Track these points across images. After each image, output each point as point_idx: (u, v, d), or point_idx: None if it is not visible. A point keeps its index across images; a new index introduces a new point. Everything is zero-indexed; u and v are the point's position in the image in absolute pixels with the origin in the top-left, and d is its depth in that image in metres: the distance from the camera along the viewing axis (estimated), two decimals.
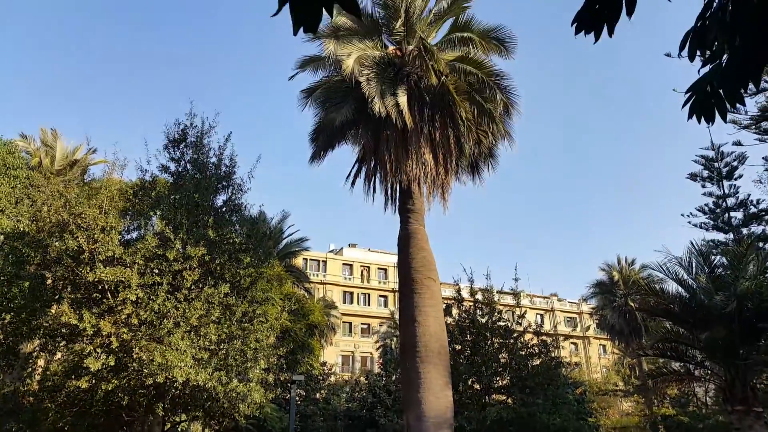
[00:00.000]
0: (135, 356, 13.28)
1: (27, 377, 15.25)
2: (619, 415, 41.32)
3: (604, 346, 66.74)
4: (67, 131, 79.59)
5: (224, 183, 17.11)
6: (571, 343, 63.16)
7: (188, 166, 16.64)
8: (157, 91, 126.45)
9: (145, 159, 16.60)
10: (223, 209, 17.08)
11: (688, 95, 3.68)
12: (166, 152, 16.72)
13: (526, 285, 61.80)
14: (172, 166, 16.64)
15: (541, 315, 67.60)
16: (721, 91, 3.50)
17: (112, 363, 13.27)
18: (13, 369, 15.75)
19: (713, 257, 18.88)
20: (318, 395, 33.36)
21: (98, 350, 13.32)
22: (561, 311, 72.92)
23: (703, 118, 3.63)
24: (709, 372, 18.98)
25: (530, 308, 64.19)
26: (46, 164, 29.85)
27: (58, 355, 15.89)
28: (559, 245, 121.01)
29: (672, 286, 18.63)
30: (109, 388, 13.45)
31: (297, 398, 24.44)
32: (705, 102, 3.60)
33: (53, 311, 14.32)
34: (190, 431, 29.58)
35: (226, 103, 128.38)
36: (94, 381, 13.32)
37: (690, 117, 3.69)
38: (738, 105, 3.77)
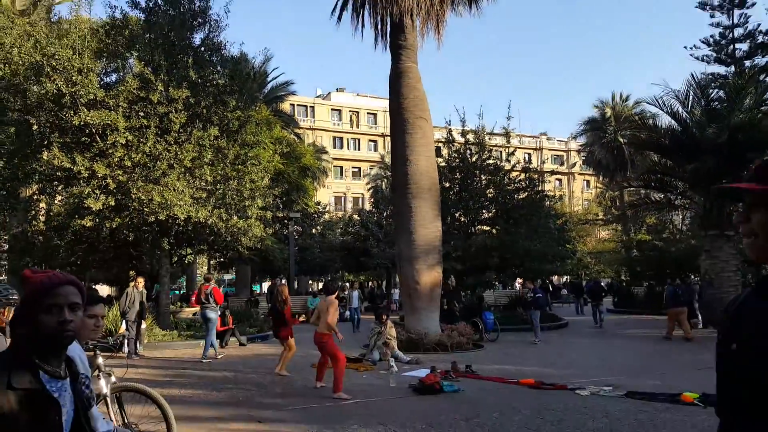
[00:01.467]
0: (134, 196, 13.64)
1: (32, 219, 15.69)
2: (596, 242, 44.05)
3: (588, 181, 68.79)
4: None
5: (200, 20, 16.24)
6: (556, 179, 64.91)
7: (159, 1, 15.63)
8: None
9: None
10: (202, 49, 16.43)
11: None
12: None
13: (516, 125, 61.62)
14: (143, 1, 15.67)
15: (529, 154, 68.49)
16: None
17: (113, 203, 13.65)
18: (16, 212, 16.13)
19: (711, 90, 18.72)
20: (314, 230, 35.00)
21: (96, 191, 13.59)
22: (549, 149, 73.82)
23: None
24: (689, 201, 19.91)
25: (519, 147, 64.48)
26: (6, 4, 27.44)
27: (58, 198, 16.22)
28: (554, 83, 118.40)
29: (665, 120, 18.73)
30: (113, 226, 14.02)
31: (295, 233, 25.64)
32: None
33: (45, 156, 14.29)
34: (197, 263, 31.51)
35: None
36: (97, 220, 13.80)
37: None
38: None
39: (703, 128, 16.73)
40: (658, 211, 23.73)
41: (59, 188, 15.56)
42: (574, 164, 64.06)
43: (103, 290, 40.38)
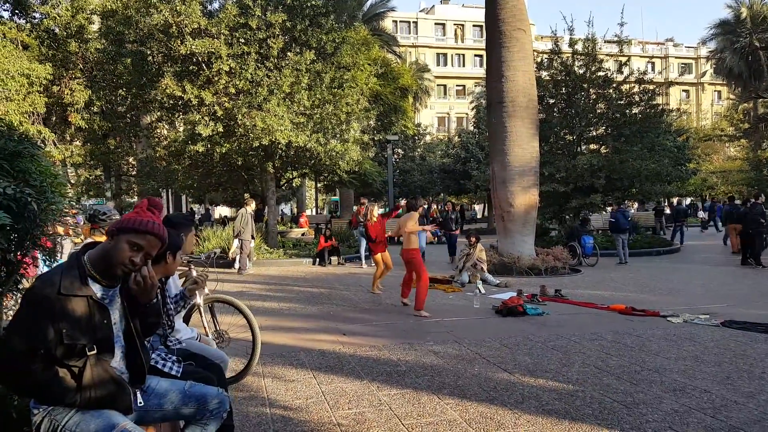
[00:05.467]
0: (239, 122, 14.44)
1: (155, 145, 17.21)
2: (723, 160, 39.91)
3: (719, 92, 61.55)
4: None
5: None
6: (683, 90, 58.80)
7: None
8: None
9: None
10: None
11: None
12: None
13: (638, 31, 55.55)
14: None
15: (653, 63, 62.25)
16: None
17: (221, 129, 14.59)
18: (139, 138, 17.76)
19: None
20: (415, 153, 34.95)
21: (206, 118, 14.53)
22: (676, 57, 66.49)
23: None
24: None
25: (640, 56, 59.09)
26: None
27: (176, 126, 17.60)
28: None
29: None
30: (223, 151, 15.05)
31: (395, 156, 25.86)
32: None
33: (161, 85, 15.40)
34: (305, 186, 33.09)
35: None
36: (209, 145, 14.87)
37: None
38: None
39: None
40: None
41: (177, 116, 16.82)
42: (704, 73, 57.42)
43: (221, 211, 43.80)
